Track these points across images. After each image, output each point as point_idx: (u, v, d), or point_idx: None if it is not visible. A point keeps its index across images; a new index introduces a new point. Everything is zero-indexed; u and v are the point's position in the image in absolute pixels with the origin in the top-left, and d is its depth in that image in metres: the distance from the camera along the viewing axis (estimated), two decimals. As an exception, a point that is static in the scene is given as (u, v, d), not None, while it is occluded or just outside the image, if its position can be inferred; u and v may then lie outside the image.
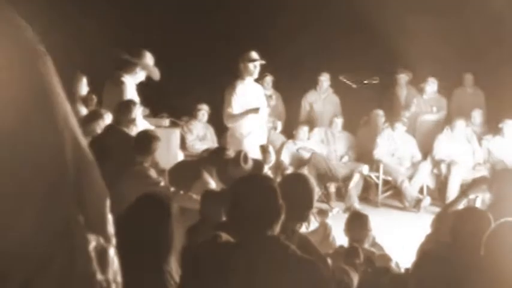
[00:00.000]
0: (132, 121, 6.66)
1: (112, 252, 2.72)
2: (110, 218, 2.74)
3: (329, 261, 4.24)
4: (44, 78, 2.45)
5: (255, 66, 8.01)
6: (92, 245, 2.58)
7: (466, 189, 7.10)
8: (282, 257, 3.14)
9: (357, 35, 11.88)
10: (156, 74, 7.49)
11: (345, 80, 12.83)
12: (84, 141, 2.67)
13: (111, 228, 2.71)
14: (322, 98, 11.84)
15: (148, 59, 7.49)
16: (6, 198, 2.34)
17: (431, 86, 11.63)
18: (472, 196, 6.72)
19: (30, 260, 2.40)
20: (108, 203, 2.72)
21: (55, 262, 2.44)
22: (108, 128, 6.78)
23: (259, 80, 9.68)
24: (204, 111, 11.06)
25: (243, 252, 3.15)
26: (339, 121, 11.17)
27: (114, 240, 2.70)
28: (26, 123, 2.38)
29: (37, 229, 2.39)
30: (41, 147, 2.43)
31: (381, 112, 11.35)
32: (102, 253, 2.66)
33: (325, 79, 11.79)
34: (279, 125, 9.06)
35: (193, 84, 11.50)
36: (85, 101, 8.40)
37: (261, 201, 3.22)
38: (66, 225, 2.46)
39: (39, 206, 2.41)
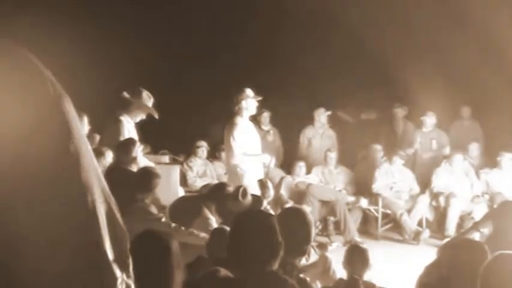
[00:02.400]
0: (133, 160, 6.75)
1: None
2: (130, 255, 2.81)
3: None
4: (68, 117, 2.52)
5: (253, 103, 8.10)
6: (119, 281, 2.65)
7: (477, 222, 7.18)
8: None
9: (354, 71, 11.97)
10: (154, 113, 7.57)
11: (343, 115, 12.90)
12: (105, 181, 2.73)
13: (131, 266, 2.78)
14: (320, 133, 11.89)
15: (146, 98, 7.58)
16: (44, 231, 2.40)
17: (431, 119, 11.65)
18: (483, 229, 6.74)
19: None
20: (128, 241, 2.79)
21: None
22: (111, 167, 6.84)
23: (256, 116, 9.77)
24: (203, 148, 11.13)
25: (242, 287, 3.16)
26: (332, 155, 11.17)
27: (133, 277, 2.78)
28: (54, 163, 2.44)
29: (74, 261, 2.46)
30: (72, 185, 2.50)
31: (378, 147, 11.37)
32: (127, 288, 2.73)
33: (322, 114, 11.86)
34: (273, 161, 9.04)
35: (193, 121, 11.61)
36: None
37: (259, 237, 3.25)
38: (97, 259, 2.53)
39: (74, 241, 2.48)
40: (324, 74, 12.14)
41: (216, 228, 5.49)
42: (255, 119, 9.87)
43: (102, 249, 2.60)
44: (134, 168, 6.69)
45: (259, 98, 8.20)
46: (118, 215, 2.76)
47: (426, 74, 10.81)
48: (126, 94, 7.54)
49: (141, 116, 7.64)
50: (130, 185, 6.22)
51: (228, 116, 8.30)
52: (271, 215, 3.94)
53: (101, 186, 2.71)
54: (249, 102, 8.10)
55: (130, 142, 6.93)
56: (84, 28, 10.20)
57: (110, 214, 2.71)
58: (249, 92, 8.13)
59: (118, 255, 2.67)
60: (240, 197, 6.39)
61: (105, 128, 7.87)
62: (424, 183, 10.94)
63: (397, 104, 12.08)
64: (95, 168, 2.69)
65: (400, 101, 12.08)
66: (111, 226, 2.70)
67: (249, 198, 6.51)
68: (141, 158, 7.15)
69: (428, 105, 11.55)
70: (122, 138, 7.23)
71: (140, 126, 7.72)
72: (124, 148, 6.86)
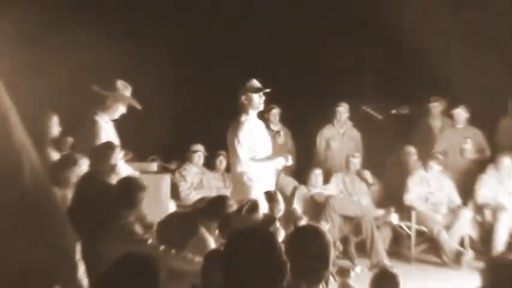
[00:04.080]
0: (112, 168, 6.72)
1: None
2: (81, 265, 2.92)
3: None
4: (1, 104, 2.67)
5: (260, 96, 8.00)
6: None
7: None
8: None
9: (382, 57, 11.98)
10: (136, 103, 7.58)
11: (368, 111, 12.89)
12: (41, 167, 2.88)
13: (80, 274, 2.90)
14: (340, 133, 11.89)
15: (122, 88, 7.58)
16: None
17: (462, 113, 11.59)
18: None
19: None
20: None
21: None
22: (85, 178, 6.80)
23: (264, 113, 9.71)
24: (200, 153, 11.06)
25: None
26: (356, 161, 11.19)
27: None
28: None
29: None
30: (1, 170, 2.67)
31: (412, 149, 11.36)
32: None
33: (343, 110, 11.84)
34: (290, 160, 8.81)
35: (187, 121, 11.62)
36: (57, 143, 8.43)
37: (257, 258, 3.26)
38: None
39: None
40: (347, 62, 12.14)
41: (210, 251, 5.46)
42: (263, 117, 9.79)
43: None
44: (113, 178, 6.66)
45: (267, 90, 8.11)
46: (55, 199, 2.97)
47: (468, 62, 10.78)
48: (95, 87, 7.53)
49: (120, 111, 7.66)
50: (109, 200, 6.20)
51: (229, 110, 8.27)
52: (269, 232, 3.96)
53: (34, 167, 2.95)
54: (256, 96, 8.03)
55: (108, 147, 6.92)
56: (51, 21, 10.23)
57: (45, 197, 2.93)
58: (254, 83, 8.05)
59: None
60: (244, 212, 6.35)
61: (78, 131, 7.85)
62: (465, 194, 10.90)
63: (434, 98, 12.06)
64: (29, 149, 2.93)
65: (438, 94, 12.07)
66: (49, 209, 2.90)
67: (259, 214, 6.46)
68: (123, 166, 7.13)
69: (468, 98, 11.49)
70: (98, 142, 7.22)
71: (122, 127, 7.73)
72: (100, 154, 6.84)
